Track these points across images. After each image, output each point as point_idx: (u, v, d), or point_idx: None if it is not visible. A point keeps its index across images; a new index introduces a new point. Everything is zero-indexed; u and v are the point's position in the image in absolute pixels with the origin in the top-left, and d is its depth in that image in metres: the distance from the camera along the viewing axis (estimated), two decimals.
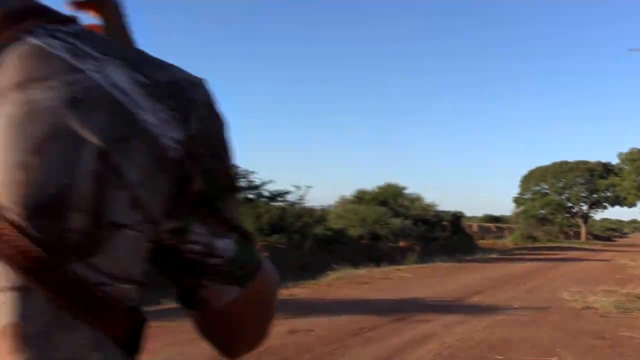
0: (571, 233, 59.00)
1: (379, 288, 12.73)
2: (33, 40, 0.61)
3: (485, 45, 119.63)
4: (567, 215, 61.34)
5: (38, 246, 0.56)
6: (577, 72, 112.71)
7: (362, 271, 15.75)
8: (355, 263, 16.79)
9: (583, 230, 60.20)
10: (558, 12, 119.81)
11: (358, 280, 13.92)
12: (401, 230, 24.93)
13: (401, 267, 17.74)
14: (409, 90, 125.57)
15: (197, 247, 0.70)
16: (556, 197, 60.47)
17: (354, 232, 23.16)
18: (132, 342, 0.65)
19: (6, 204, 0.56)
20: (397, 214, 26.11)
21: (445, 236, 29.85)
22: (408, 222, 26.13)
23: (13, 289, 0.56)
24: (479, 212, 68.48)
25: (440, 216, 30.96)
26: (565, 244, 45.23)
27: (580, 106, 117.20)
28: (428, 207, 29.57)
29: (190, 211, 0.68)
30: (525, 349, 7.12)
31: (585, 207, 62.57)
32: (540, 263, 22.45)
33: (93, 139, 0.58)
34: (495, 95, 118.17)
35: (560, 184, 61.65)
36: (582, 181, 61.33)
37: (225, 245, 0.72)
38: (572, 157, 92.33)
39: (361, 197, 27.92)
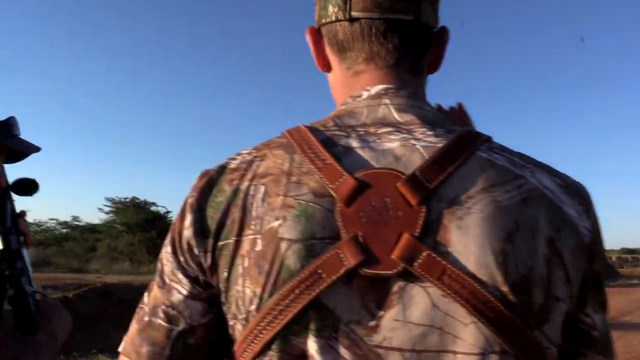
0: None
1: None
2: (483, 155, 0.57)
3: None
4: None
5: (515, 317, 0.51)
6: None
7: None
8: None
9: None
10: None
11: None
12: None
13: None
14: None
15: (588, 320, 0.60)
16: None
17: None
18: None
19: (490, 281, 0.51)
20: None
21: None
22: None
23: (496, 352, 0.51)
24: (617, 246, 60.21)
25: None
26: None
27: None
28: None
29: (588, 287, 0.59)
30: None
31: None
32: None
33: (543, 228, 0.54)
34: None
35: None
36: None
37: (599, 320, 0.61)
38: None
39: None
